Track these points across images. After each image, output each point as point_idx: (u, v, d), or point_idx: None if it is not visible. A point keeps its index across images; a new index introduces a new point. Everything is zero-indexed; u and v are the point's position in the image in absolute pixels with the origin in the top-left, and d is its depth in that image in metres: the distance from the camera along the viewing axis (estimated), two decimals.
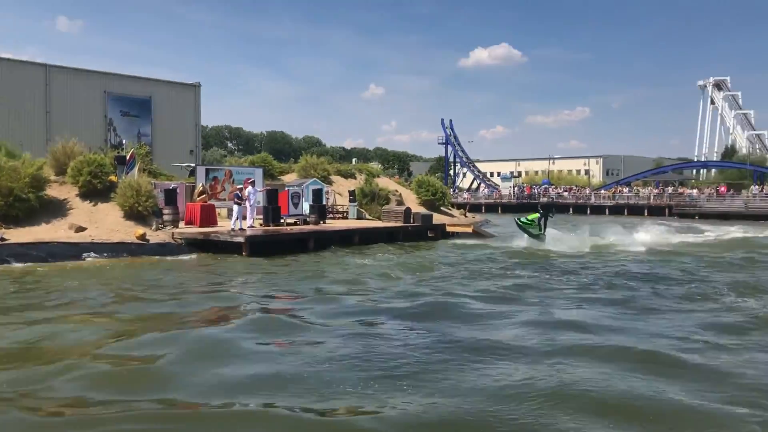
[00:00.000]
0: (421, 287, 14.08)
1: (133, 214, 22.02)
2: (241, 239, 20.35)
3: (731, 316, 11.03)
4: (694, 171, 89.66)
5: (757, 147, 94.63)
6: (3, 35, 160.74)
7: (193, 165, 29.63)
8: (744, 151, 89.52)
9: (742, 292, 13.53)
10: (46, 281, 14.69)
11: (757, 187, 60.34)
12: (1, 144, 22.14)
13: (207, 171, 26.42)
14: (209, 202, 24.45)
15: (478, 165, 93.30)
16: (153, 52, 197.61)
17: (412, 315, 10.91)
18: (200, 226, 22.95)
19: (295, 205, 26.76)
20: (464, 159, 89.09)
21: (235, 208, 22.36)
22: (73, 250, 18.79)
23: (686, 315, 11.18)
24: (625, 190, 69.03)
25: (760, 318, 10.74)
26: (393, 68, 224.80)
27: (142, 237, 20.44)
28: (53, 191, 22.40)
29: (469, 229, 29.39)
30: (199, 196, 24.46)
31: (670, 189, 65.46)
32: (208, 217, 23.72)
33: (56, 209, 21.79)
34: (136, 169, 24.23)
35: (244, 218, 22.57)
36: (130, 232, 20.89)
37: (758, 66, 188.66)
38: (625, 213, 59.68)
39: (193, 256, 20.03)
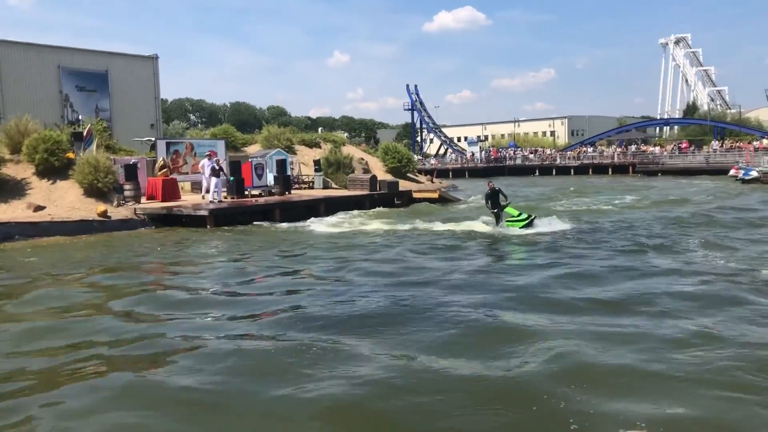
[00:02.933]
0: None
1: (93, 191, 21.65)
2: (204, 212, 20.17)
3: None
4: (657, 129, 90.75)
5: (718, 103, 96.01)
6: None
7: (153, 139, 29.05)
8: (705, 107, 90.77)
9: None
10: (6, 261, 14.43)
11: (717, 142, 61.43)
12: None
13: (168, 145, 25.95)
14: (171, 176, 24.10)
15: (445, 130, 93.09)
16: (110, 25, 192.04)
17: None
18: (163, 201, 22.65)
19: (259, 177, 26.53)
20: (431, 125, 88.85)
21: (213, 180, 22.19)
22: (32, 230, 18.44)
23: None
24: (590, 149, 69.78)
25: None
26: (357, 35, 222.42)
27: (104, 214, 20.13)
28: (8, 170, 21.90)
29: (436, 195, 29.57)
30: (160, 171, 24.08)
31: (633, 147, 66.33)
32: (171, 191, 23.41)
33: (13, 189, 21.32)
34: (94, 145, 23.73)
35: (209, 191, 22.47)
36: (91, 209, 20.56)
37: (718, 22, 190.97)
38: (590, 172, 60.55)
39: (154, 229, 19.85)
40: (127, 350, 7.29)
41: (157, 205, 22.04)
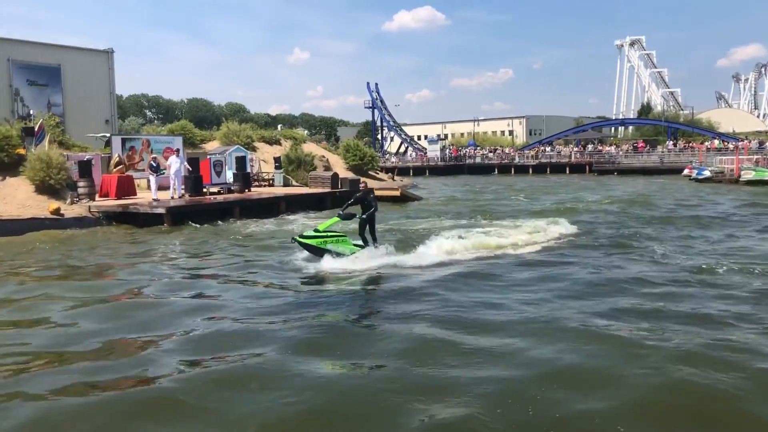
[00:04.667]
0: None
1: (45, 188, 20.98)
2: (162, 210, 19.71)
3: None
4: (613, 129, 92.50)
5: (671, 104, 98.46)
6: None
7: (108, 135, 28.32)
8: (659, 108, 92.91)
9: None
10: None
11: (671, 142, 62.94)
12: None
13: (123, 141, 25.32)
14: (127, 173, 23.53)
15: (406, 128, 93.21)
16: (64, 18, 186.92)
17: None
18: (118, 198, 22.09)
19: (218, 174, 26.11)
20: (391, 123, 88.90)
21: (151, 178, 21.68)
22: None
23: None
24: (548, 149, 70.70)
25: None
26: (317, 32, 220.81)
27: (57, 212, 19.48)
28: None
29: (398, 193, 29.50)
30: (115, 167, 23.51)
31: (590, 147, 67.46)
32: (126, 188, 22.86)
33: None
34: (46, 141, 23.03)
35: (167, 189, 22.00)
36: (43, 207, 19.89)
37: (671, 24, 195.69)
38: (548, 171, 61.33)
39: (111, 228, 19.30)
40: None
41: (112, 202, 21.48)
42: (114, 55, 39.94)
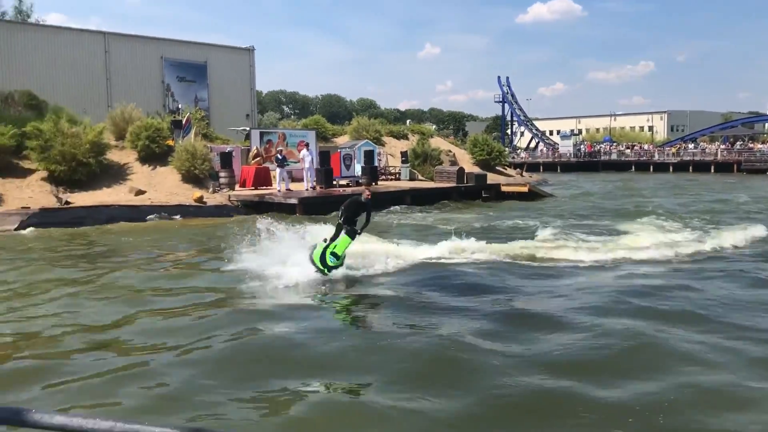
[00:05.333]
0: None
1: (190, 178, 22.55)
2: (294, 200, 20.58)
3: None
4: (766, 125, 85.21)
5: None
6: (70, 8, 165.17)
7: (248, 129, 29.96)
8: None
9: None
10: (110, 240, 15.26)
11: None
12: (63, 111, 22.81)
13: (261, 134, 26.69)
14: (263, 165, 24.76)
15: (537, 123, 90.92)
16: (208, 18, 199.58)
17: None
18: (255, 188, 23.31)
19: (347, 167, 26.83)
20: (522, 117, 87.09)
21: (277, 170, 22.66)
22: (133, 213, 19.37)
23: None
24: (691, 146, 66.30)
25: None
26: (449, 27, 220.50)
27: (200, 200, 20.91)
28: (113, 156, 23.11)
29: (525, 189, 28.87)
30: (253, 159, 24.81)
31: (738, 144, 62.49)
32: (263, 179, 24.06)
33: (116, 173, 22.51)
34: (192, 133, 24.70)
35: (300, 181, 22.95)
36: (188, 194, 21.41)
37: None
38: (690, 170, 57.51)
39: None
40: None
41: (249, 192, 22.71)
42: (254, 52, 42.10)
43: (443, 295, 9.35)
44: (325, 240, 10.39)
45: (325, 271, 10.20)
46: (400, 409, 5.27)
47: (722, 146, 62.60)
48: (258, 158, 24.97)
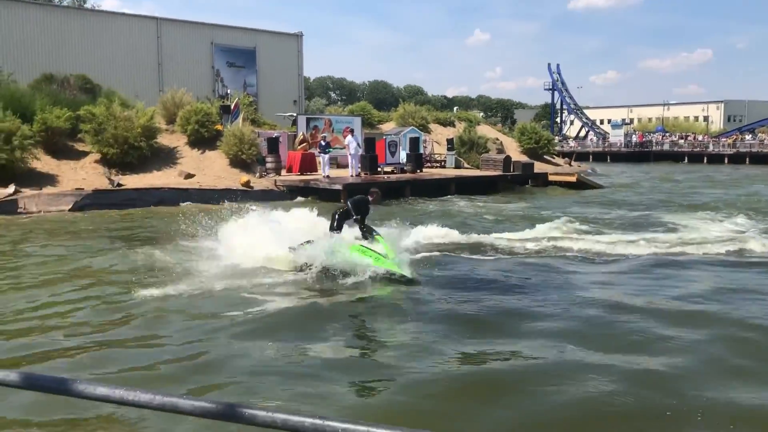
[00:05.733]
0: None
1: (238, 162, 22.85)
2: (339, 186, 20.67)
3: None
4: None
5: None
6: None
7: (295, 114, 30.20)
8: None
9: None
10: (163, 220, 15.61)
11: None
12: (115, 95, 23.35)
13: (308, 120, 26.87)
14: (309, 151, 24.93)
15: (587, 112, 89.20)
16: (257, 4, 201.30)
17: None
18: (300, 174, 23.50)
19: (392, 154, 26.81)
20: (572, 106, 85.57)
21: (322, 156, 22.76)
22: (182, 196, 19.75)
23: None
24: (748, 137, 64.03)
25: None
26: (499, 13, 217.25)
27: (247, 184, 21.18)
28: (164, 139, 23.56)
29: (574, 179, 28.35)
30: (299, 145, 25.00)
31: None
32: (309, 164, 24.24)
33: (167, 157, 22.96)
34: (240, 119, 25.01)
35: (346, 167, 23.04)
36: (235, 179, 21.72)
37: None
38: (747, 162, 55.61)
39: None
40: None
41: (295, 177, 22.91)
42: (303, 38, 42.30)
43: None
44: (363, 247, 9.36)
45: (406, 274, 8.96)
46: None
47: None
48: (304, 144, 25.14)
